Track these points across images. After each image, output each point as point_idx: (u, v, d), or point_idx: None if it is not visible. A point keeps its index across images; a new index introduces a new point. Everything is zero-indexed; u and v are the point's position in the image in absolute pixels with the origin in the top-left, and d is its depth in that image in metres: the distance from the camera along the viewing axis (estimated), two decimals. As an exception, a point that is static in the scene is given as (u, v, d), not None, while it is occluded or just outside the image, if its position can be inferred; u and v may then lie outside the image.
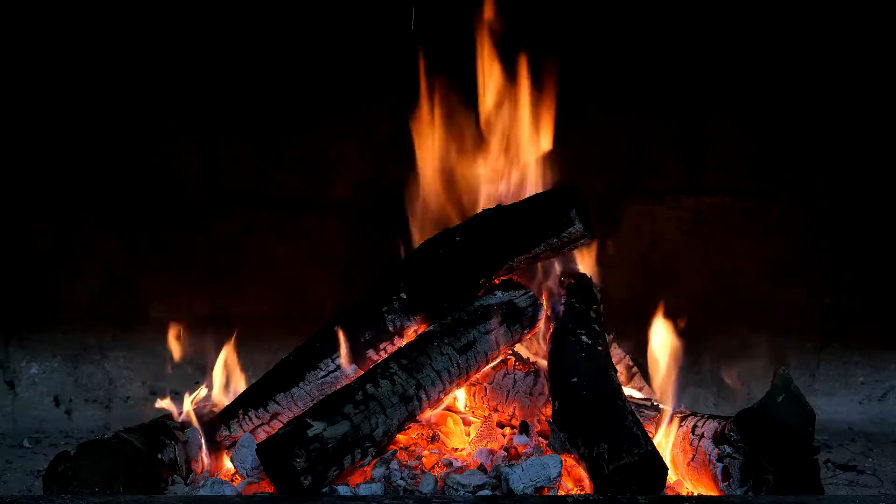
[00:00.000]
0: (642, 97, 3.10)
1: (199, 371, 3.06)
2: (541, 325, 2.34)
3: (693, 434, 2.07)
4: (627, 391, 2.33)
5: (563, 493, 1.95)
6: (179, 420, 2.23)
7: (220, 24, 3.05)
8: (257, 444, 1.98)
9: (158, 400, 2.36)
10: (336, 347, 2.25)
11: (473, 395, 2.35)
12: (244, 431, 2.21)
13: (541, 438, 2.20)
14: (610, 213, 3.12)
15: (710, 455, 1.99)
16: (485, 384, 2.33)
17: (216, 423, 2.24)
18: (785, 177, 3.16)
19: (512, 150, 2.55)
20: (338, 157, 3.11)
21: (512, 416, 2.31)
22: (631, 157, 3.14)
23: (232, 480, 2.12)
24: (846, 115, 3.11)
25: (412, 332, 2.30)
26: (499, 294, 2.29)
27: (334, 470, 1.93)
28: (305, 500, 1.86)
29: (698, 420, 2.10)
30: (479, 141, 2.58)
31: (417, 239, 2.49)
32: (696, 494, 2.02)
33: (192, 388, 2.46)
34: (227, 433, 2.24)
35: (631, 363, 2.50)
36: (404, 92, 2.95)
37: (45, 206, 3.10)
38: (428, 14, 2.94)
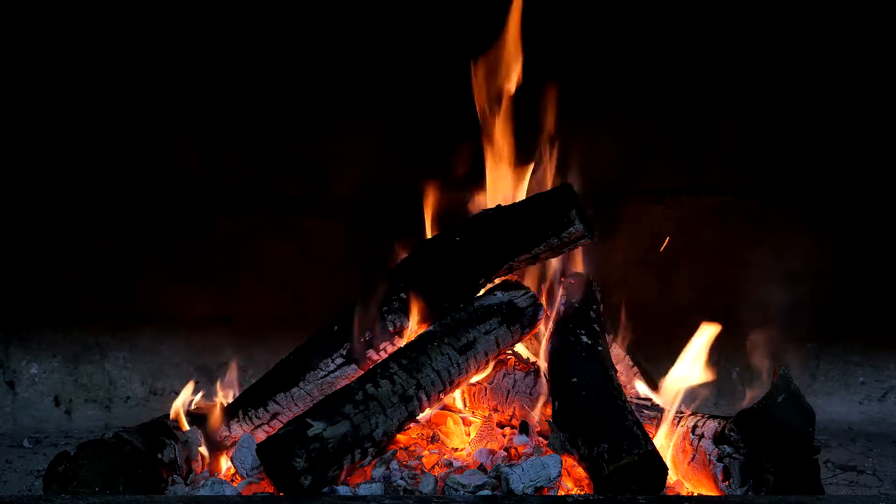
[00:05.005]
0: (642, 97, 3.10)
1: (199, 371, 3.07)
2: (541, 325, 2.34)
3: (693, 434, 2.07)
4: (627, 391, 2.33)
5: (563, 493, 1.95)
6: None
7: (220, 26, 3.05)
8: (257, 444, 1.98)
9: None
10: (336, 347, 2.25)
11: (473, 395, 2.35)
12: (244, 431, 2.22)
13: (541, 438, 2.20)
14: (610, 213, 3.12)
15: (710, 455, 1.99)
16: (485, 384, 2.33)
17: (216, 422, 2.24)
18: (785, 177, 3.16)
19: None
20: (338, 157, 3.11)
21: (512, 416, 2.31)
22: (631, 157, 3.14)
23: (232, 480, 2.12)
24: (846, 116, 3.11)
25: (412, 332, 2.30)
26: (499, 294, 2.29)
27: (334, 470, 1.93)
28: (305, 500, 1.86)
29: (698, 420, 2.10)
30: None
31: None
32: (696, 494, 2.02)
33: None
34: (227, 433, 2.24)
35: (631, 363, 2.49)
36: (403, 93, 2.96)
37: (46, 207, 3.10)
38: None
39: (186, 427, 2.19)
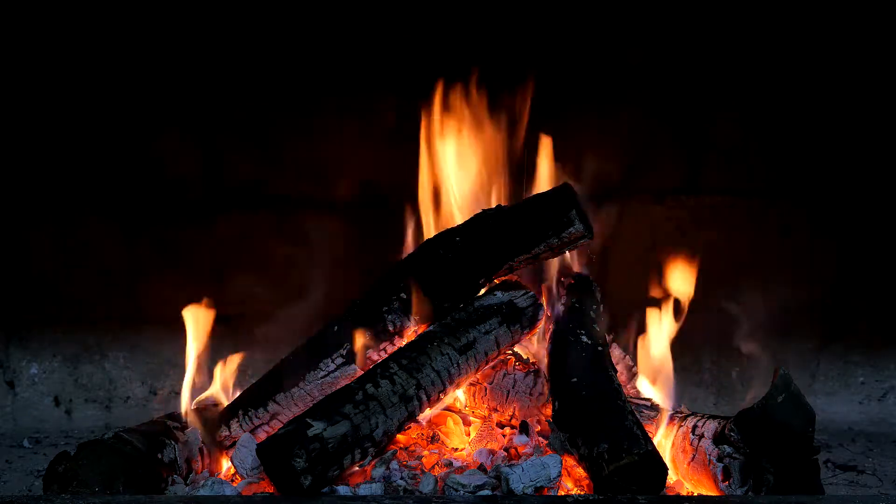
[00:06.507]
0: (643, 97, 3.10)
1: (199, 371, 3.06)
2: (541, 325, 2.34)
3: (693, 434, 2.07)
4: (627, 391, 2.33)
5: (563, 493, 1.95)
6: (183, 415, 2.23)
7: (219, 24, 3.05)
8: (257, 444, 1.98)
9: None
10: (336, 347, 2.25)
11: (473, 395, 2.35)
12: (244, 431, 2.22)
13: (541, 438, 2.20)
14: (610, 213, 3.12)
15: (710, 455, 1.99)
16: (485, 384, 2.33)
17: (217, 422, 2.24)
18: (785, 177, 3.16)
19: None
20: (338, 156, 3.11)
21: (512, 416, 2.31)
22: (631, 157, 3.14)
23: (232, 480, 2.12)
24: (848, 117, 3.11)
25: (412, 332, 2.30)
26: (499, 294, 2.29)
27: (334, 470, 1.93)
28: (305, 500, 1.86)
29: (698, 420, 2.10)
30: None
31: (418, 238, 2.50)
32: (696, 494, 2.02)
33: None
34: (227, 433, 2.24)
35: (631, 363, 2.49)
36: (404, 91, 2.96)
37: (46, 206, 3.11)
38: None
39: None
